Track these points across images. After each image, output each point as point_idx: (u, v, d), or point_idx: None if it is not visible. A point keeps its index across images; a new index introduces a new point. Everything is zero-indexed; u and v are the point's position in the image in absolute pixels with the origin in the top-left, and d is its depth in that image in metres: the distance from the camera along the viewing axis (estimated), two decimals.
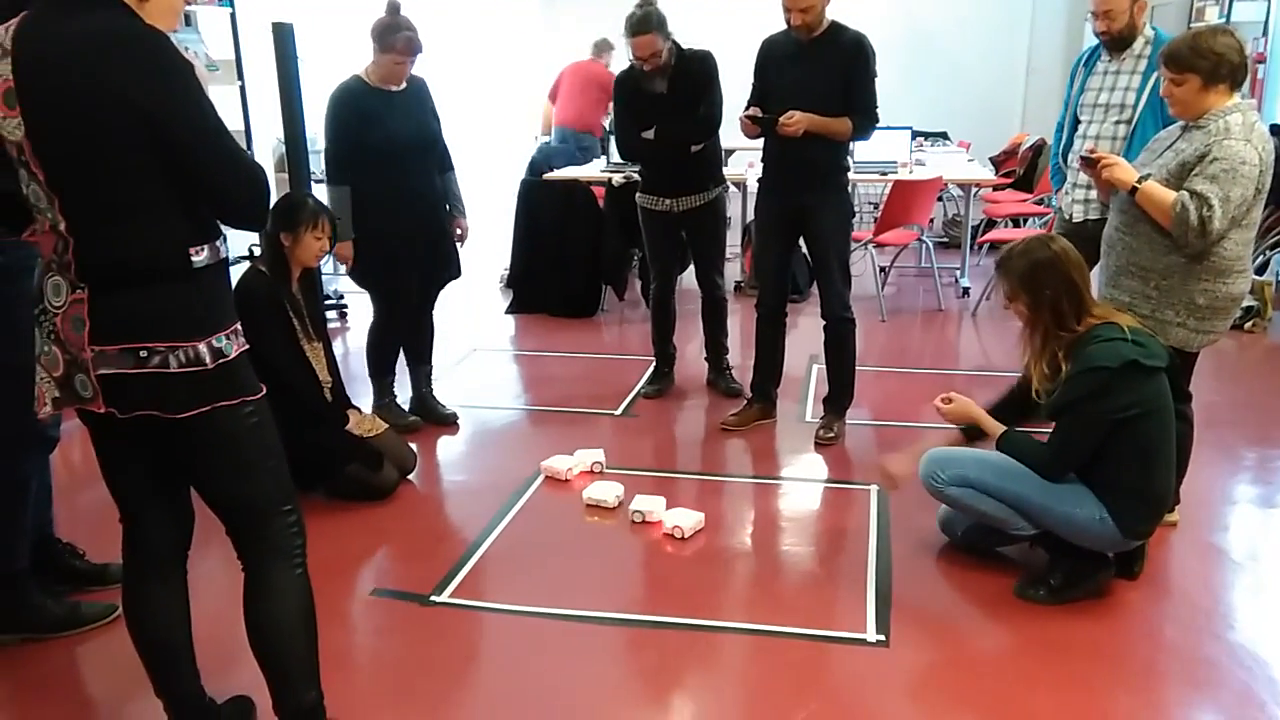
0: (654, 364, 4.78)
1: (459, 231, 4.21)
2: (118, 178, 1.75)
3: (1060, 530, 2.82)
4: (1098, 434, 2.72)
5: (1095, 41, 3.70)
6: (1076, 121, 3.78)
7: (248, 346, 1.93)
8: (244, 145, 5.51)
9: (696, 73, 4.12)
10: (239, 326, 1.92)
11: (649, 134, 4.15)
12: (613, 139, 5.64)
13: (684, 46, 4.17)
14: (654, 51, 4.00)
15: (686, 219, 4.38)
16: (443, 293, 4.29)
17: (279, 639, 2.03)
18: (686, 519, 3.25)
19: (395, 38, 3.74)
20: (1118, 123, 3.59)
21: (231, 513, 1.99)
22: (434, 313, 4.30)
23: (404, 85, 3.91)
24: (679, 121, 4.14)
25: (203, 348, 1.82)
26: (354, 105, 3.83)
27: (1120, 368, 2.62)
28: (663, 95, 4.13)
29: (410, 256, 4.00)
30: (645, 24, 3.95)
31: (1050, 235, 2.84)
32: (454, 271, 4.23)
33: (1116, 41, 3.58)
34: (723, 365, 4.71)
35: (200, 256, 1.84)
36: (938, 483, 2.93)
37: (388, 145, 3.84)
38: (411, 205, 3.95)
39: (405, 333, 4.24)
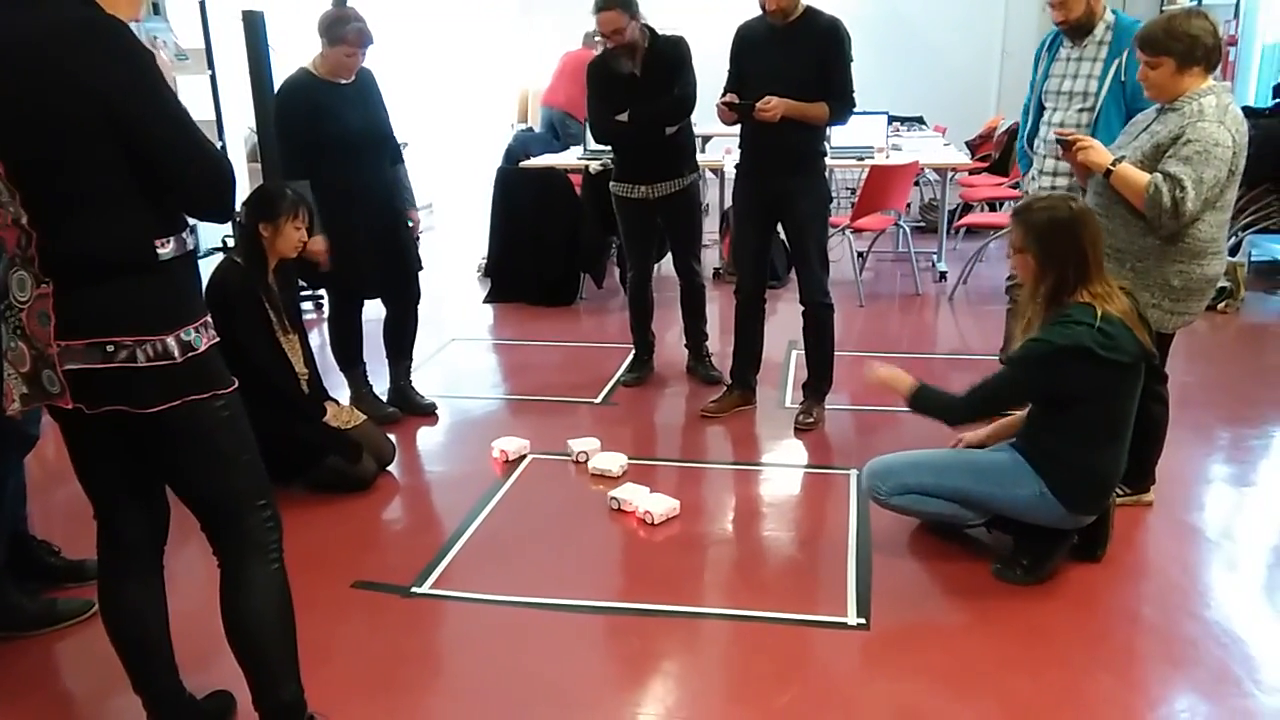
0: (633, 352, 4.77)
1: (411, 224, 4.16)
2: (80, 170, 1.73)
3: (1009, 513, 2.88)
4: (1020, 397, 2.80)
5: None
6: (1041, 107, 3.80)
7: (218, 339, 1.91)
8: (215, 135, 5.48)
9: (669, 56, 4.11)
10: (209, 319, 1.89)
11: (623, 117, 4.13)
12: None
13: (658, 32, 4.15)
14: (617, 28, 3.97)
15: (662, 206, 4.36)
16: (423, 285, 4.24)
17: (257, 634, 2.01)
18: (658, 505, 3.27)
19: (345, 29, 3.67)
20: (1081, 109, 3.61)
21: (205, 508, 1.97)
22: (418, 308, 4.25)
23: (353, 78, 3.84)
24: (653, 104, 4.13)
25: (171, 341, 1.80)
26: (305, 98, 3.75)
27: (1070, 348, 2.63)
28: (635, 79, 4.12)
29: (364, 250, 3.92)
30: (609, 0, 3.95)
31: (1074, 196, 2.79)
32: (414, 263, 4.17)
33: (1076, 29, 3.61)
34: (702, 352, 4.72)
35: (166, 249, 1.81)
36: (881, 495, 2.99)
37: (340, 138, 3.78)
38: (365, 199, 3.88)
39: (389, 324, 4.22)
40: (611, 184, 4.46)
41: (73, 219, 1.75)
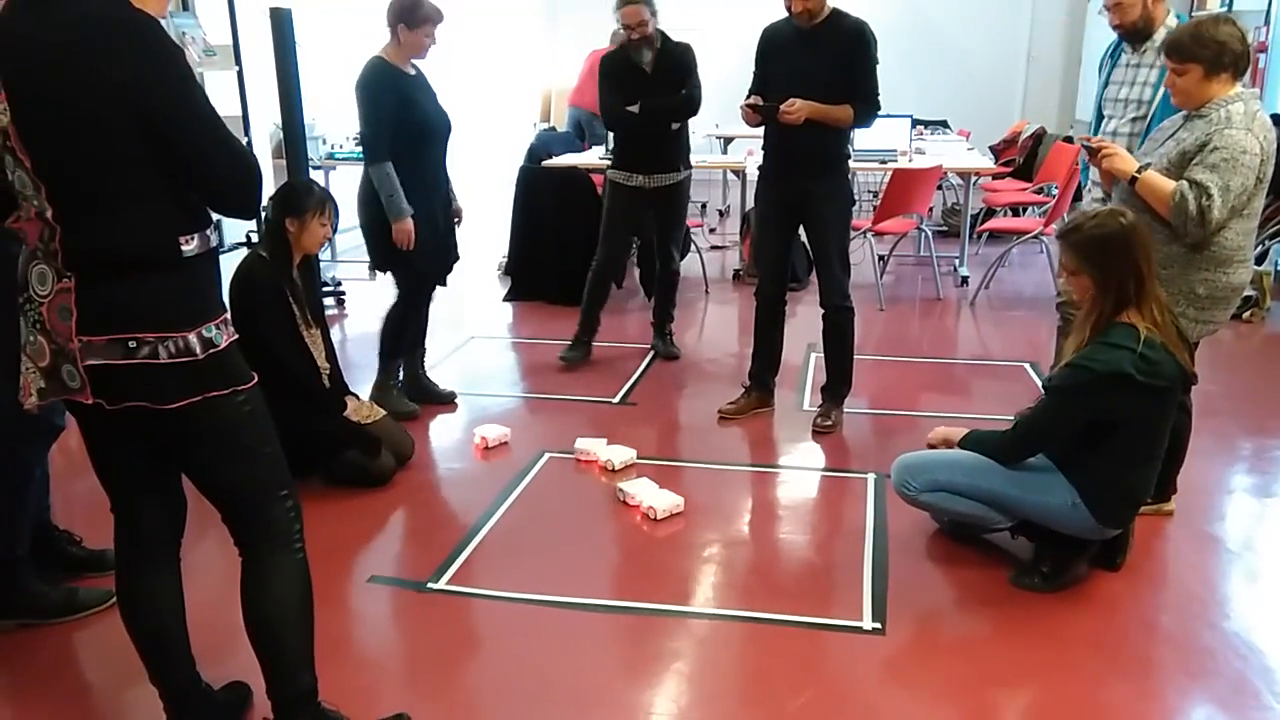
0: (576, 332, 4.91)
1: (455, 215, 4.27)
2: (108, 165, 1.73)
3: (1037, 519, 2.85)
4: (1067, 428, 2.75)
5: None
6: (1101, 116, 3.71)
7: (237, 336, 1.92)
8: (241, 131, 5.52)
9: (679, 59, 4.45)
10: (228, 316, 1.90)
11: (634, 108, 4.40)
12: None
13: (669, 36, 4.46)
14: (641, 20, 4.29)
15: (655, 196, 4.62)
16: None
17: (278, 622, 2.02)
18: (662, 500, 3.30)
19: (425, 10, 3.78)
20: (1135, 118, 3.50)
21: (228, 500, 1.98)
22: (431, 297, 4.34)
23: (414, 71, 3.93)
24: (663, 99, 4.41)
25: (193, 338, 1.80)
26: (392, 86, 3.84)
27: (1109, 375, 2.59)
28: (647, 74, 4.41)
29: (447, 235, 4.08)
30: None
31: (1122, 210, 2.73)
32: (456, 254, 4.26)
33: (1133, 34, 3.48)
34: (665, 330, 5.04)
35: (190, 245, 1.82)
36: (910, 490, 2.95)
37: (422, 127, 3.88)
38: (438, 188, 4.02)
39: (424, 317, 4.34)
40: (609, 171, 4.69)
41: (98, 214, 1.76)
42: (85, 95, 1.68)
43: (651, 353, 4.83)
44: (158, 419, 1.82)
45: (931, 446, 3.09)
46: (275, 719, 2.07)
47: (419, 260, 3.99)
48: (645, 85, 4.42)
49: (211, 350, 1.83)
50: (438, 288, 4.29)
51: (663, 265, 4.92)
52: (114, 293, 1.77)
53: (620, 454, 3.70)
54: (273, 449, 1.98)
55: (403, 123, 3.82)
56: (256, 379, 1.94)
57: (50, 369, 1.81)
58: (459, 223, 4.27)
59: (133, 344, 1.76)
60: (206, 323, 1.83)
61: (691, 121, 4.62)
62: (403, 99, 3.83)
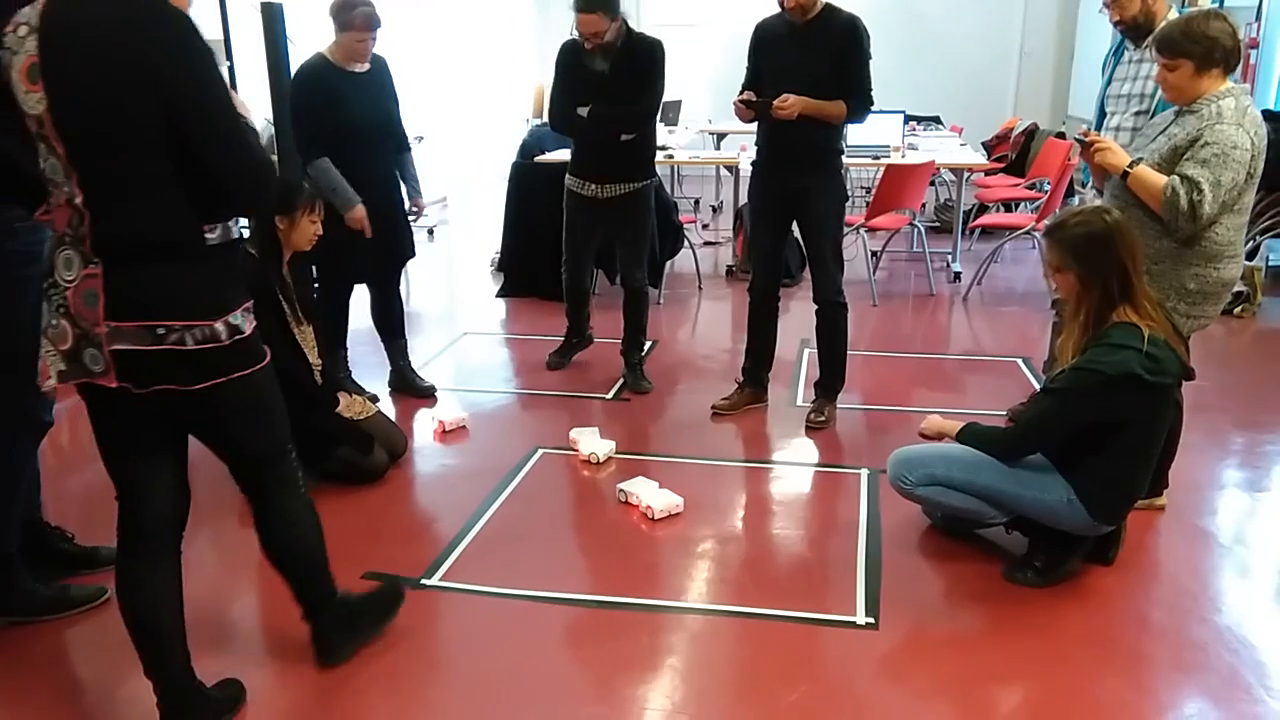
0: (565, 334, 4.84)
1: (415, 210, 4.25)
2: (138, 154, 1.79)
3: (1032, 514, 2.85)
4: (1069, 429, 2.75)
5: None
6: (1104, 113, 3.70)
7: (258, 322, 1.99)
8: None
9: (642, 58, 4.07)
10: (251, 304, 1.97)
11: (583, 111, 4.10)
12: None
13: (635, 30, 4.14)
14: (597, 31, 3.96)
15: (609, 207, 4.32)
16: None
17: (303, 552, 2.29)
18: (660, 500, 3.30)
19: (353, 14, 3.74)
20: (1138, 113, 3.48)
21: (247, 462, 2.11)
22: (399, 289, 4.37)
23: (366, 66, 3.89)
24: (616, 104, 4.08)
25: (219, 326, 1.88)
26: (318, 85, 3.82)
27: (1119, 377, 2.58)
28: (604, 74, 4.07)
29: (360, 236, 3.92)
30: (591, 2, 3.93)
31: (1107, 208, 2.73)
32: (408, 251, 4.24)
33: (1134, 30, 3.47)
34: (636, 360, 4.61)
35: (213, 234, 1.90)
36: (906, 484, 2.95)
37: (349, 126, 3.84)
38: (367, 186, 3.93)
39: (374, 307, 4.33)
40: (566, 176, 4.43)
41: (126, 201, 1.81)
42: (121, 82, 1.75)
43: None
44: (183, 399, 1.89)
45: (925, 435, 3.09)
46: (307, 617, 2.38)
47: (331, 259, 3.91)
48: (602, 86, 4.05)
49: (237, 336, 1.91)
50: (388, 285, 4.32)
51: (627, 287, 4.53)
52: (142, 279, 1.84)
53: (602, 446, 3.73)
54: (282, 405, 2.12)
55: (327, 120, 3.81)
56: (270, 354, 2.04)
57: (72, 352, 1.87)
58: (416, 217, 4.26)
59: (161, 330, 1.83)
60: (233, 311, 1.91)
61: (685, 117, 4.51)
62: (329, 97, 3.80)
